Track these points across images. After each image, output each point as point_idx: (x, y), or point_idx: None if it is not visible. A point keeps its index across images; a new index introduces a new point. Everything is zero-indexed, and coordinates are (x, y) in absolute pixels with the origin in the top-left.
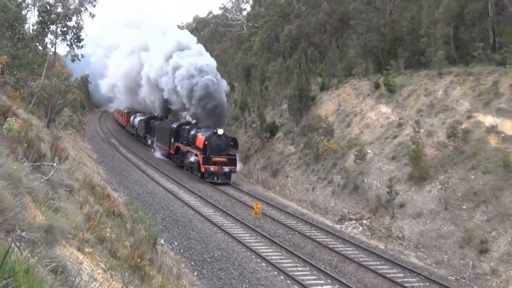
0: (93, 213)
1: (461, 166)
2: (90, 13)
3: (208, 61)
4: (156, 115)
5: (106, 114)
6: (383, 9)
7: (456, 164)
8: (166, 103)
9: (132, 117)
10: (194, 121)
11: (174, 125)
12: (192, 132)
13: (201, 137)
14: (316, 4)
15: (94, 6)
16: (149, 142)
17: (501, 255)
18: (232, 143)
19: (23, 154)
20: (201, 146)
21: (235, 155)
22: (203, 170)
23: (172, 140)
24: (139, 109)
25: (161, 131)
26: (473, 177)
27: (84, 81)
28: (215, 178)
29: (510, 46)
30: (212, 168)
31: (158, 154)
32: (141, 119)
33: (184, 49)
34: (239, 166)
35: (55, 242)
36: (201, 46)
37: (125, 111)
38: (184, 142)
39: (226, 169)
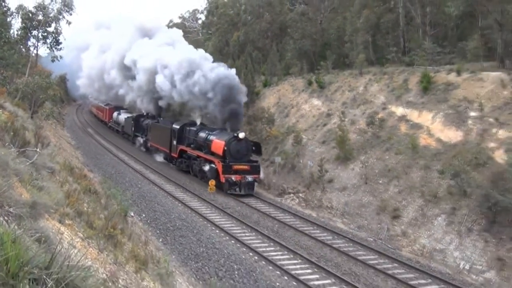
0: (72, 190)
1: (378, 148)
2: (67, 20)
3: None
4: (145, 113)
5: (82, 107)
6: (315, 19)
7: (374, 147)
8: (155, 101)
9: (115, 114)
10: (199, 121)
11: (176, 126)
12: (202, 134)
13: (219, 142)
14: (260, 15)
15: (71, 14)
16: (141, 141)
17: (410, 220)
18: (254, 147)
19: (10, 141)
20: (219, 152)
21: (257, 162)
22: (223, 180)
23: (174, 142)
24: (116, 104)
25: (157, 131)
26: (387, 157)
27: (63, 79)
28: (237, 189)
29: (417, 50)
30: (233, 177)
31: (155, 155)
32: (128, 117)
33: (148, 35)
34: (262, 173)
35: (39, 216)
36: (176, 35)
37: (107, 107)
38: (192, 145)
39: (249, 178)
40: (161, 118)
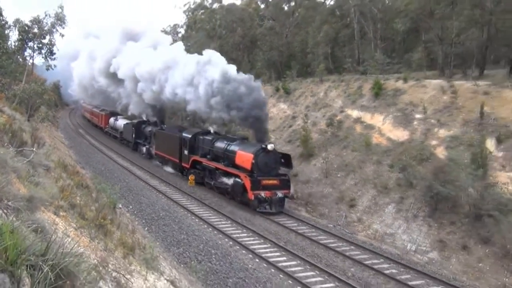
0: (66, 185)
1: (336, 146)
2: (60, 33)
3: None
4: (146, 119)
5: (75, 111)
6: (281, 33)
7: (333, 145)
8: (157, 107)
9: (112, 120)
10: (212, 130)
11: (188, 134)
12: (220, 144)
13: (246, 154)
14: (233, 29)
15: (64, 28)
16: (143, 149)
17: (364, 208)
18: (282, 160)
19: (8, 142)
20: (247, 165)
21: (287, 175)
22: (251, 197)
23: (186, 152)
24: (112, 110)
25: (163, 139)
26: (345, 153)
27: (57, 86)
28: (267, 206)
29: (370, 61)
30: (263, 193)
31: (158, 163)
32: (127, 123)
33: (134, 39)
34: (292, 188)
35: (35, 209)
36: (161, 37)
37: (103, 113)
38: (208, 156)
39: (280, 193)
40: (165, 125)
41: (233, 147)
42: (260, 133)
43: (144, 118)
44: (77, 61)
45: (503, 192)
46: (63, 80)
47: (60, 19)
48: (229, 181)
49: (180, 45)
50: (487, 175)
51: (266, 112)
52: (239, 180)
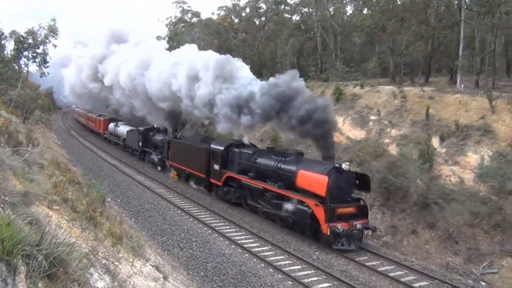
0: (59, 182)
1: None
2: (53, 44)
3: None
4: (153, 126)
5: (67, 114)
6: (253, 45)
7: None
8: (173, 114)
9: (112, 125)
10: (246, 141)
11: (218, 146)
12: (268, 161)
13: (317, 176)
14: (210, 41)
15: (56, 39)
16: (155, 159)
17: None
18: (357, 181)
19: (5, 142)
20: (319, 191)
21: (362, 200)
22: (326, 231)
23: (216, 166)
24: (110, 116)
25: (181, 150)
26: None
27: (50, 91)
28: (345, 242)
29: (331, 69)
30: (340, 226)
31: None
32: (131, 130)
33: (119, 41)
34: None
35: (30, 203)
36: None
37: (101, 118)
38: (250, 174)
39: (358, 224)
40: (179, 134)
41: (290, 166)
42: (326, 147)
43: (155, 125)
44: (68, 69)
45: (446, 183)
46: (55, 85)
47: (52, 31)
48: (287, 207)
49: (157, 43)
50: (433, 169)
51: (334, 119)
52: (304, 208)
